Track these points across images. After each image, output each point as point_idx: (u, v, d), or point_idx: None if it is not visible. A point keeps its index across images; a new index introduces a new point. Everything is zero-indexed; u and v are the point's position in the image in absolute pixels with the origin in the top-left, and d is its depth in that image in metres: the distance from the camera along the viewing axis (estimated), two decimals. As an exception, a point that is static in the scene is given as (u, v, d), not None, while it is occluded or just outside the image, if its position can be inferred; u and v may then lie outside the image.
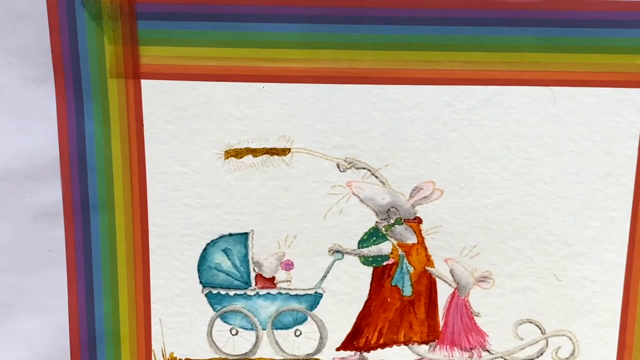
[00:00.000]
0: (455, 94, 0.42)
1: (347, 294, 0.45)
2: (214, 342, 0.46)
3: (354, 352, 0.46)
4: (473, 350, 0.46)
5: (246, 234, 0.44)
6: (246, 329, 0.46)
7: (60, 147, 0.43)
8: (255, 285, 0.45)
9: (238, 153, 0.43)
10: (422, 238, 0.44)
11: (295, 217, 0.44)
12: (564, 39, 0.41)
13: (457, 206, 0.43)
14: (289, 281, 0.45)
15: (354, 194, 0.43)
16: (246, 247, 0.44)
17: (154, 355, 0.45)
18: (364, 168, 0.43)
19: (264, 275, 0.45)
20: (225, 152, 0.43)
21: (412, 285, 0.45)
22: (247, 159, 0.43)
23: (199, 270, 0.45)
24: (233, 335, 0.46)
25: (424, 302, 0.45)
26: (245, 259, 0.45)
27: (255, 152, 0.43)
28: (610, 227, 0.44)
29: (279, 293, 0.45)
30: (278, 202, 0.43)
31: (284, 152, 0.43)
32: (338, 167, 0.43)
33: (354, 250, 0.44)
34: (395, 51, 0.41)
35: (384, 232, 0.44)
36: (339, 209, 0.44)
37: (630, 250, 0.44)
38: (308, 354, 0.46)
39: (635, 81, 0.42)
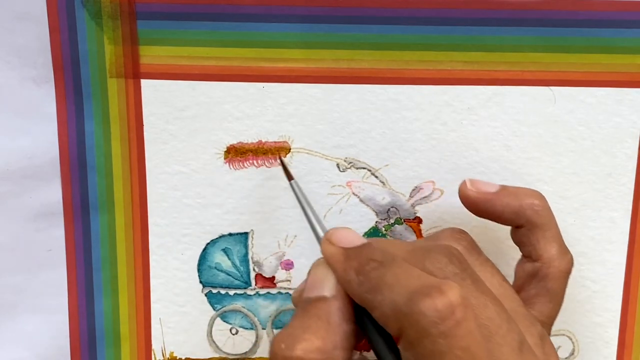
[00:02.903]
0: (455, 94, 0.42)
1: (347, 293, 0.45)
2: (213, 341, 0.46)
3: (355, 351, 0.46)
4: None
5: (246, 233, 0.44)
6: (246, 328, 0.46)
7: (60, 147, 0.43)
8: (255, 284, 0.45)
9: (238, 153, 0.43)
10: (422, 238, 0.44)
11: (295, 217, 0.44)
12: (564, 39, 0.41)
13: (457, 206, 0.43)
14: (289, 281, 0.45)
15: (354, 194, 0.43)
16: (246, 246, 0.44)
17: (154, 354, 0.45)
18: (364, 168, 0.43)
19: (264, 275, 0.45)
20: (225, 152, 0.43)
21: (412, 285, 0.45)
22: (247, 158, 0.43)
23: (198, 270, 0.45)
24: (233, 334, 0.46)
25: (424, 301, 0.45)
26: (245, 259, 0.45)
27: (255, 152, 0.43)
28: (610, 227, 0.44)
29: (279, 293, 0.45)
30: (278, 202, 0.43)
31: (284, 152, 0.43)
32: (338, 167, 0.43)
33: (354, 250, 0.44)
34: (395, 51, 0.41)
35: (384, 232, 0.44)
36: (339, 209, 0.44)
37: (630, 250, 0.44)
38: (308, 354, 0.46)
39: (635, 81, 0.42)
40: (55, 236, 0.44)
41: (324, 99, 0.42)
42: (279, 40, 0.41)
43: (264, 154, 0.43)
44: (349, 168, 0.43)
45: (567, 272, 0.38)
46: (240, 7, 0.41)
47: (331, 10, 0.41)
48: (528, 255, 0.38)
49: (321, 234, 0.37)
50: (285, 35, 0.41)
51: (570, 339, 0.45)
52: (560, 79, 0.42)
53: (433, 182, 0.43)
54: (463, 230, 0.37)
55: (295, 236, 0.44)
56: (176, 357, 0.46)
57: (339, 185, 0.43)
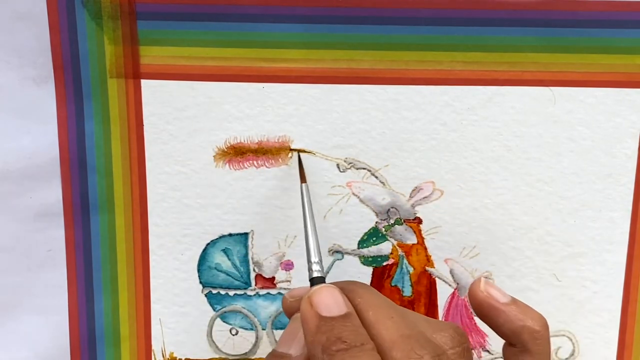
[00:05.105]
0: (455, 94, 0.42)
1: (347, 294, 0.45)
2: (213, 342, 0.46)
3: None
4: (473, 350, 0.46)
5: (246, 234, 0.44)
6: (246, 329, 0.46)
7: (60, 147, 0.43)
8: (255, 285, 0.45)
9: (238, 153, 0.43)
10: (422, 238, 0.44)
11: (295, 217, 0.44)
12: (564, 39, 0.41)
13: (457, 206, 0.43)
14: (289, 281, 0.45)
15: (354, 194, 0.43)
16: (246, 247, 0.44)
17: (154, 354, 0.45)
18: (364, 168, 0.43)
19: (264, 275, 0.45)
20: (225, 152, 0.43)
21: (412, 285, 0.45)
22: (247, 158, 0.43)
23: (198, 270, 0.45)
24: (233, 335, 0.46)
25: (424, 302, 0.45)
26: (245, 259, 0.45)
27: (255, 152, 0.43)
28: (610, 227, 0.44)
29: (279, 293, 0.45)
30: (278, 202, 0.43)
31: (284, 152, 0.43)
32: (338, 167, 0.43)
33: (353, 250, 0.44)
34: (395, 51, 0.41)
35: (384, 233, 0.44)
36: (339, 209, 0.44)
37: (630, 250, 0.44)
38: (308, 354, 0.46)
39: (635, 81, 0.42)
40: (55, 236, 0.44)
41: (324, 99, 0.42)
42: (278, 41, 0.41)
43: (264, 154, 0.43)
44: (349, 168, 0.43)
45: None
46: (240, 7, 0.41)
47: (331, 10, 0.41)
48: None
49: (314, 257, 0.36)
50: (285, 36, 0.41)
51: (570, 339, 0.45)
52: (560, 79, 0.42)
53: (433, 182, 0.43)
54: (464, 334, 0.34)
55: (295, 236, 0.44)
56: (176, 357, 0.46)
57: (339, 186, 0.43)
